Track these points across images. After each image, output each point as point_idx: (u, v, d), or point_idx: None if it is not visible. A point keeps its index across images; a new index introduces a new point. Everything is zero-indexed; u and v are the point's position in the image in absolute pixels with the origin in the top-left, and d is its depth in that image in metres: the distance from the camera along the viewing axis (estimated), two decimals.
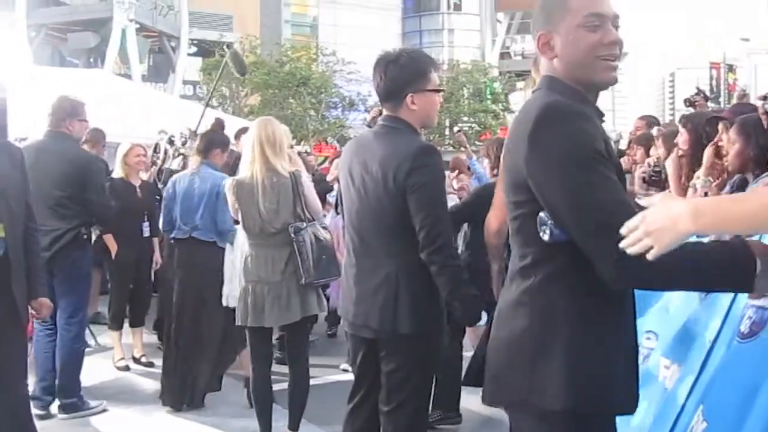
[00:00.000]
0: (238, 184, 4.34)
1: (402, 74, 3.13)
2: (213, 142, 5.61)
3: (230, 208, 4.42)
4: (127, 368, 6.44)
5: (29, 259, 3.81)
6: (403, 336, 3.04)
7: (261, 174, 4.27)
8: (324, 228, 4.63)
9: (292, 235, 4.28)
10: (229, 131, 11.13)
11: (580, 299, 1.96)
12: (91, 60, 31.12)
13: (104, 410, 5.33)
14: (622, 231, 1.71)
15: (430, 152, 3.07)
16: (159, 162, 6.82)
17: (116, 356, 6.51)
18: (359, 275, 3.17)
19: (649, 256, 1.66)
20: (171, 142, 6.70)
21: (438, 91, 3.25)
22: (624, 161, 6.09)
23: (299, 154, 12.42)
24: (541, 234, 1.89)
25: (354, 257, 3.22)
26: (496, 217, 3.10)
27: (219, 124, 6.08)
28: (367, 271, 3.14)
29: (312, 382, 5.96)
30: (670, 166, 4.41)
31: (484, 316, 2.97)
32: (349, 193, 3.21)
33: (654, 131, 5.68)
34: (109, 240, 6.38)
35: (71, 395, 5.23)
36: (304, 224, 4.35)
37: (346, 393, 3.44)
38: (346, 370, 6.21)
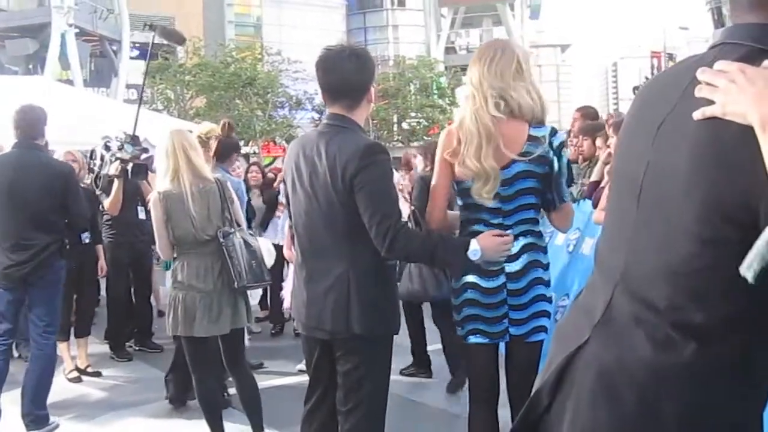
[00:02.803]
0: (166, 195, 4.24)
1: (366, 68, 3.13)
2: (231, 146, 5.66)
3: (155, 224, 4.28)
4: (78, 380, 6.33)
5: None
6: (358, 336, 3.03)
7: (189, 182, 4.24)
8: (251, 235, 4.61)
9: (221, 239, 4.25)
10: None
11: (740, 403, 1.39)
12: (30, 66, 30.49)
13: (57, 425, 5.18)
14: (717, 65, 1.29)
15: (378, 150, 3.05)
16: (96, 169, 6.67)
17: (66, 368, 6.39)
18: (310, 276, 3.14)
19: (709, 110, 1.27)
20: (107, 147, 6.57)
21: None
22: (570, 152, 6.18)
23: (246, 155, 12.25)
24: (746, 270, 1.18)
25: (303, 258, 3.19)
26: (436, 208, 3.19)
27: (231, 128, 6.05)
28: (317, 272, 3.11)
29: (268, 384, 5.98)
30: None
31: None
32: (297, 194, 3.16)
33: (604, 118, 5.80)
34: None
35: (43, 407, 5.09)
36: (233, 229, 4.34)
37: (301, 394, 3.42)
38: (302, 371, 6.19)
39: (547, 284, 3.19)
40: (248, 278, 4.29)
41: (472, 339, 3.16)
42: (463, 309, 3.15)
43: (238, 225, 4.44)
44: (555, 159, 3.04)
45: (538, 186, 3.07)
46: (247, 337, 5.39)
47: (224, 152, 5.61)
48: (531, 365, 3.18)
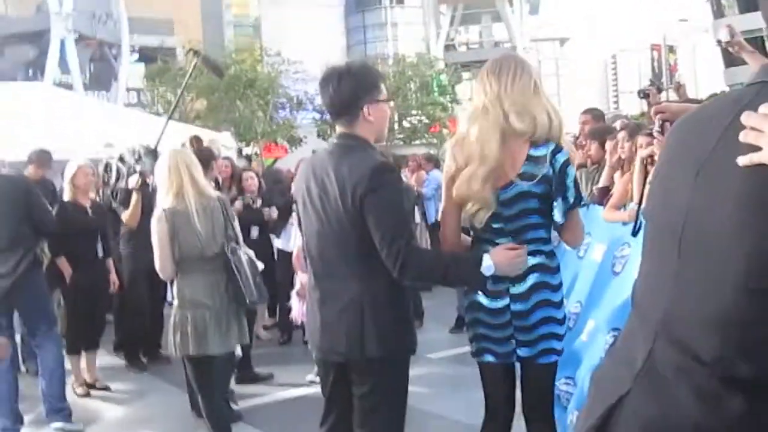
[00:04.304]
0: (172, 212, 4.23)
1: (357, 85, 3.06)
2: (210, 156, 5.79)
3: (158, 240, 4.25)
4: (87, 395, 6.28)
5: None
6: (373, 359, 2.98)
7: (194, 199, 4.26)
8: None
9: (230, 255, 4.29)
10: (177, 138, 11.01)
11: None
12: (30, 72, 30.54)
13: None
14: (763, 109, 1.20)
15: (387, 170, 3.00)
16: (112, 182, 6.64)
17: (76, 382, 6.35)
18: (323, 299, 3.09)
19: (757, 157, 1.20)
20: (122, 159, 6.56)
21: (389, 100, 3.21)
22: (579, 155, 6.12)
23: (248, 156, 12.21)
24: None
25: (316, 280, 3.15)
26: (448, 230, 3.17)
27: (199, 141, 6.09)
28: (330, 295, 3.06)
29: (280, 396, 5.96)
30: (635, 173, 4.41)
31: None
32: (308, 215, 3.12)
33: (617, 124, 5.74)
34: (63, 264, 6.20)
35: (63, 400, 5.45)
36: (238, 246, 4.40)
37: (313, 406, 3.38)
38: (313, 382, 6.16)
39: (558, 305, 3.09)
40: (257, 294, 4.36)
41: (484, 358, 3.14)
42: (472, 327, 3.14)
43: (237, 243, 4.47)
44: (554, 177, 2.95)
45: (542, 206, 2.99)
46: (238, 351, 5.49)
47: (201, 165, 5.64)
48: (545, 386, 3.18)
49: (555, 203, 2.97)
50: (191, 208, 4.23)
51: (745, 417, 1.27)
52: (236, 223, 4.53)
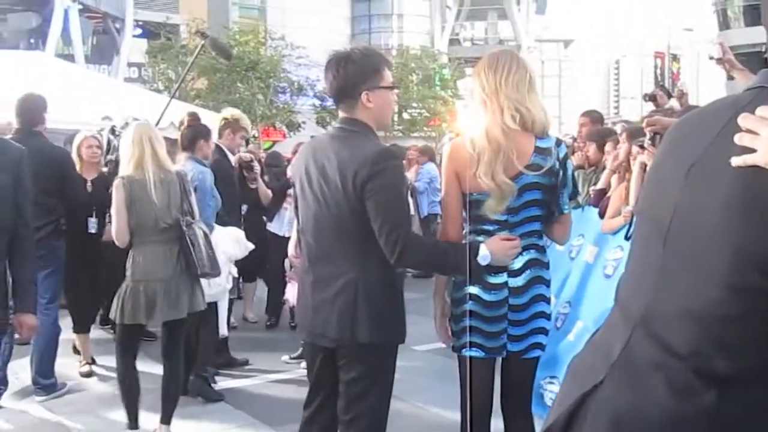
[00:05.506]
0: (130, 180, 4.42)
1: (355, 71, 3.06)
2: (198, 133, 5.70)
3: (116, 207, 4.43)
4: (90, 374, 6.21)
5: (19, 269, 3.53)
6: (363, 345, 2.98)
7: (152, 170, 4.42)
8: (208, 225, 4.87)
9: (185, 228, 4.46)
10: (176, 116, 10.95)
11: None
12: (32, 41, 30.35)
13: (69, 391, 5.66)
14: (759, 112, 1.22)
15: (389, 156, 3.00)
16: (102, 152, 6.57)
17: (83, 360, 6.32)
18: (317, 283, 3.09)
19: (750, 158, 1.21)
20: (113, 132, 6.50)
21: (392, 88, 3.20)
22: (577, 156, 6.13)
23: (245, 139, 12.25)
24: None
25: (310, 264, 3.15)
26: (451, 223, 3.16)
27: (195, 117, 6.04)
28: (325, 279, 3.06)
29: (262, 377, 5.95)
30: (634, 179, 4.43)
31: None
32: (306, 198, 3.12)
33: (618, 128, 5.74)
34: None
35: (50, 376, 5.59)
36: (193, 220, 4.57)
37: (296, 390, 3.37)
38: (288, 363, 6.20)
39: (548, 301, 3.18)
40: (209, 266, 4.54)
41: (469, 352, 3.11)
42: (463, 320, 3.11)
43: (193, 217, 4.62)
44: (560, 170, 3.05)
45: (544, 198, 3.05)
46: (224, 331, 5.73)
47: (188, 142, 5.65)
48: (526, 381, 3.21)
49: (561, 193, 3.06)
50: (149, 177, 4.40)
51: (718, 410, 1.28)
52: (193, 198, 4.65)
